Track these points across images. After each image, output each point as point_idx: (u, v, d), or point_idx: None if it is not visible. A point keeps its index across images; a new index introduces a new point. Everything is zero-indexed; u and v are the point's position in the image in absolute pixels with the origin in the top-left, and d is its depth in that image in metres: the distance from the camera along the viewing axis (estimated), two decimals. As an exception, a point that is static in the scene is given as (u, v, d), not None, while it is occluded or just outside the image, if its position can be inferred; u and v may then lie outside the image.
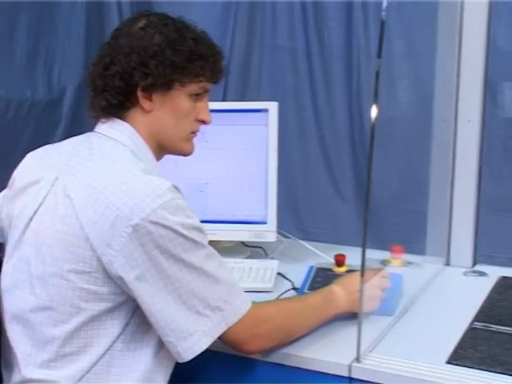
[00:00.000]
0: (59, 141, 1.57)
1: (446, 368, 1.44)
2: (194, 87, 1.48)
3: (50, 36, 3.05)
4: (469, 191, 2.02)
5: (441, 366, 1.45)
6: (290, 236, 2.17)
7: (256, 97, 3.26)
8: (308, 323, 1.56)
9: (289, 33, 3.29)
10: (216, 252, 1.40)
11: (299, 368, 1.50)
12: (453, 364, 1.46)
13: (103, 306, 1.36)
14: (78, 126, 2.92)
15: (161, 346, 1.40)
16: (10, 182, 1.56)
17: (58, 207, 1.38)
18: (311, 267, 1.89)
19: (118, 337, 1.38)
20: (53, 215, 1.39)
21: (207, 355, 1.38)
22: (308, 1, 3.22)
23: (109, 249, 1.31)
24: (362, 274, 1.47)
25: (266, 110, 2.01)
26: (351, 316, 1.60)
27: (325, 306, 1.59)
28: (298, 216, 3.35)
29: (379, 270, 1.73)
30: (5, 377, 1.47)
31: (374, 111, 1.42)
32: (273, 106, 2.02)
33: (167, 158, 1.58)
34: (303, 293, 1.77)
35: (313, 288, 1.77)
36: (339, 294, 1.60)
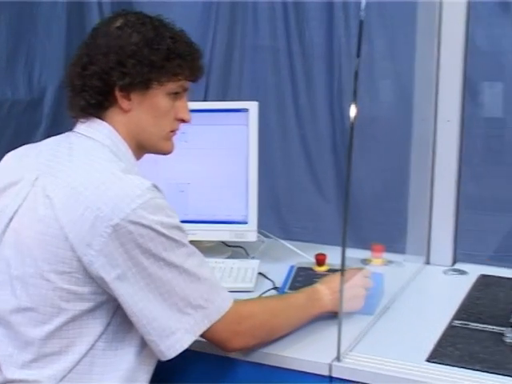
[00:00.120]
0: (40, 141, 1.56)
1: (425, 366, 1.45)
2: (172, 86, 1.48)
3: (30, 36, 3.05)
4: (448, 190, 2.04)
5: (421, 365, 1.45)
6: (271, 236, 2.17)
7: (237, 96, 3.26)
8: (291, 321, 1.56)
9: (270, 32, 3.30)
10: (197, 250, 1.40)
11: (280, 367, 1.50)
12: (432, 362, 1.46)
13: (84, 305, 1.35)
14: (58, 126, 2.91)
15: (144, 344, 1.40)
16: (-11, 182, 1.55)
17: (37, 208, 1.38)
18: (292, 267, 1.89)
19: (100, 336, 1.37)
20: (32, 216, 1.38)
21: (187, 355, 1.38)
22: (289, 1, 3.23)
23: (89, 249, 1.31)
24: (342, 274, 1.48)
25: (246, 110, 2.01)
26: (332, 315, 1.60)
27: (308, 305, 1.59)
28: (279, 216, 3.35)
29: (361, 269, 1.74)
30: (-14, 378, 1.47)
31: (353, 110, 1.42)
32: (253, 106, 2.01)
33: (148, 157, 1.58)
34: (284, 292, 1.77)
35: (293, 287, 1.77)
36: (323, 293, 1.61)
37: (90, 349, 1.37)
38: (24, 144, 1.59)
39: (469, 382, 1.39)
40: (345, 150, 3.12)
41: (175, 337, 1.35)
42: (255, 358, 1.51)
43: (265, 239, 2.15)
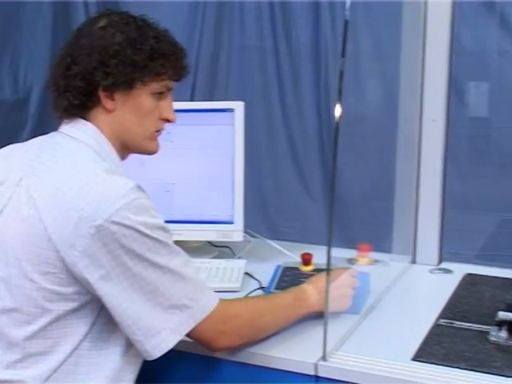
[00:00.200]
0: (26, 141, 1.56)
1: (411, 365, 1.45)
2: (156, 86, 1.48)
3: (15, 36, 3.03)
4: (434, 189, 2.04)
5: (406, 363, 1.46)
6: (258, 235, 2.17)
7: (224, 96, 3.26)
8: (277, 321, 1.56)
9: (257, 32, 3.30)
10: (182, 250, 1.40)
11: (265, 367, 1.50)
12: (418, 361, 1.47)
13: (68, 305, 1.35)
14: (44, 126, 2.87)
15: (129, 344, 1.39)
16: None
17: (21, 208, 1.37)
18: (278, 266, 1.89)
19: (85, 336, 1.37)
20: (16, 216, 1.38)
21: (173, 354, 1.38)
22: (276, 0, 3.23)
23: (72, 249, 1.31)
24: (328, 273, 1.48)
25: (231, 110, 2.01)
26: (318, 315, 1.60)
27: (295, 305, 1.59)
28: (267, 215, 3.35)
29: (347, 268, 1.74)
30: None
31: (337, 110, 1.42)
32: (239, 106, 2.01)
33: (133, 157, 1.58)
34: (270, 292, 1.77)
35: (280, 287, 1.77)
36: (310, 293, 1.61)
37: (75, 349, 1.37)
38: (9, 144, 1.59)
39: (454, 381, 1.39)
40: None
41: (160, 336, 1.35)
42: (241, 357, 1.51)
43: (251, 239, 2.15)
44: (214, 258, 2.06)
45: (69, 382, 1.38)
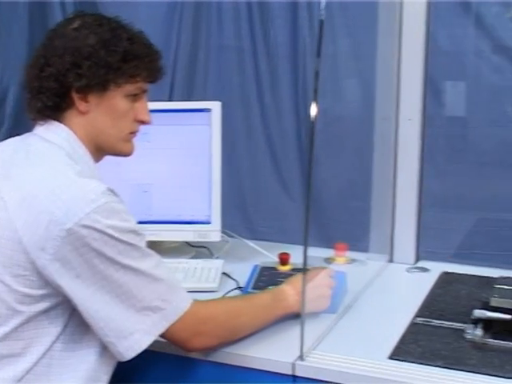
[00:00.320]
0: (2, 141, 1.55)
1: (388, 363, 1.46)
2: (130, 88, 1.47)
3: (-9, 36, 3.01)
4: (411, 189, 2.05)
5: (383, 362, 1.46)
6: (235, 235, 2.16)
7: (202, 96, 3.26)
8: (254, 322, 1.56)
9: (235, 32, 3.31)
10: (154, 252, 1.40)
11: (242, 367, 1.49)
12: (395, 359, 1.47)
13: (39, 307, 1.34)
14: (21, 127, 2.85)
15: (105, 345, 1.39)
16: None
17: None
18: (256, 266, 1.89)
19: (58, 337, 1.37)
20: None
21: (148, 355, 1.38)
22: (253, 0, 3.24)
23: (43, 253, 1.30)
24: (304, 272, 1.48)
25: (208, 110, 2.01)
26: (296, 315, 1.59)
27: (273, 306, 1.59)
28: (246, 215, 3.36)
29: (324, 268, 1.75)
30: None
31: (313, 110, 1.42)
32: (216, 106, 2.01)
33: (110, 159, 1.57)
34: (247, 292, 1.77)
35: (257, 287, 1.77)
36: (288, 293, 1.61)
37: (48, 350, 1.36)
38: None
39: (430, 379, 1.40)
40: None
41: (133, 338, 1.35)
42: (217, 357, 1.51)
43: (229, 239, 2.14)
44: (192, 258, 2.06)
45: (42, 383, 1.37)
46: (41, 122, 1.47)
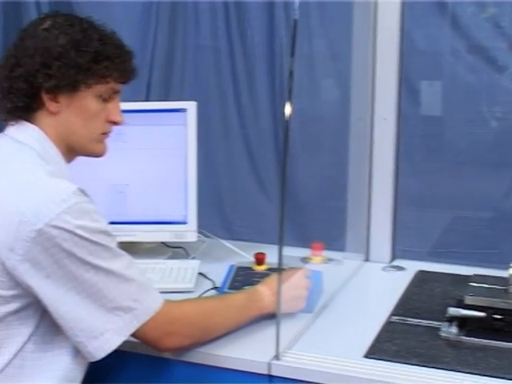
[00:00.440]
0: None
1: (363, 362, 1.46)
2: (101, 88, 1.46)
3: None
4: (386, 188, 2.06)
5: (359, 361, 1.47)
6: (212, 236, 2.16)
7: (179, 96, 3.26)
8: (228, 322, 1.56)
9: (211, 32, 3.30)
10: (125, 253, 1.40)
11: (218, 367, 1.49)
12: (370, 358, 1.48)
13: (10, 308, 1.34)
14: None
15: None
16: None
17: None
18: (232, 266, 1.89)
19: (29, 338, 1.36)
20: None
21: (121, 355, 1.38)
22: (230, 0, 3.24)
23: (13, 253, 1.29)
24: (279, 272, 1.48)
25: (184, 110, 2.00)
26: (272, 315, 1.60)
27: (248, 306, 1.59)
28: (223, 215, 3.36)
29: (300, 268, 1.75)
30: None
31: (287, 109, 1.43)
32: (191, 106, 2.01)
33: (85, 159, 1.56)
34: (223, 292, 1.77)
35: (233, 287, 1.77)
36: (264, 294, 1.61)
37: (19, 351, 1.36)
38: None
39: (405, 377, 1.40)
40: (287, 149, 3.14)
41: (104, 338, 1.34)
42: (192, 357, 1.50)
43: (205, 239, 2.14)
44: (168, 258, 2.05)
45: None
46: (12, 123, 1.46)
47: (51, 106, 1.43)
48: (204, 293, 1.81)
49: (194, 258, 2.05)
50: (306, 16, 3.03)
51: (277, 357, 1.47)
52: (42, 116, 1.45)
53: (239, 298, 1.60)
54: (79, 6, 3.13)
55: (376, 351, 1.50)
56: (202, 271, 1.93)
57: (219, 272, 1.90)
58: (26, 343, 1.36)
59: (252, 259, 1.91)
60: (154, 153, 2.03)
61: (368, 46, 1.98)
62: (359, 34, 2.02)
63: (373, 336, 1.57)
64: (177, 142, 2.01)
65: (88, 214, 1.33)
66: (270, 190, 3.27)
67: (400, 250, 2.14)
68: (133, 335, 1.38)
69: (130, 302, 1.36)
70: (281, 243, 1.44)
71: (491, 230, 2.91)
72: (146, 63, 3.27)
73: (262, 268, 1.85)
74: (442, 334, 1.56)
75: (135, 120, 1.96)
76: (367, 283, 2.00)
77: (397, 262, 2.09)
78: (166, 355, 1.51)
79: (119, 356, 1.37)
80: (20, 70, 1.41)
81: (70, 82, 1.41)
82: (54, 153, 1.45)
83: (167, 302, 1.43)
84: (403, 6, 1.97)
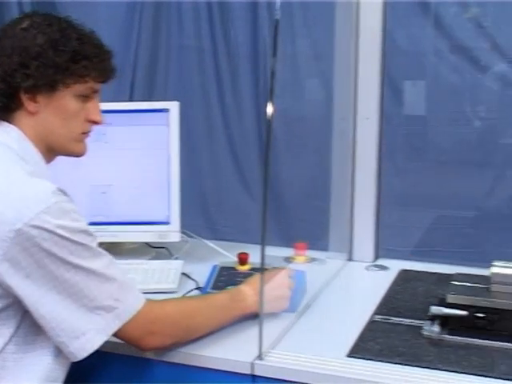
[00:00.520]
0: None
1: (346, 361, 1.47)
2: (79, 88, 1.46)
3: None
4: (369, 187, 2.06)
5: (342, 360, 1.47)
6: (195, 236, 2.16)
7: (163, 96, 3.24)
8: (210, 322, 1.56)
9: (195, 32, 3.29)
10: (106, 252, 1.40)
11: (200, 367, 1.49)
12: (353, 357, 1.48)
13: None
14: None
15: None
16: None
17: None
18: (215, 266, 1.89)
19: (10, 339, 1.35)
20: None
21: (103, 355, 1.37)
22: (213, 0, 3.23)
23: None
24: (262, 272, 1.48)
25: (166, 110, 2.00)
26: (255, 315, 1.60)
27: (231, 306, 1.59)
28: (208, 215, 3.35)
29: (284, 268, 1.75)
30: None
31: (269, 109, 1.43)
32: (174, 106, 2.00)
33: (67, 159, 1.55)
34: (206, 292, 1.76)
35: (216, 287, 1.77)
36: (247, 294, 1.61)
37: (0, 352, 1.35)
38: None
39: (388, 375, 1.41)
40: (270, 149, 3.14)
41: (85, 337, 1.34)
42: (174, 357, 1.50)
43: (188, 239, 2.14)
44: (151, 259, 2.05)
45: None
46: None
47: (30, 105, 1.43)
48: (187, 293, 1.81)
49: (177, 259, 2.05)
50: (290, 16, 3.03)
51: (260, 357, 1.47)
52: (20, 116, 1.44)
53: (222, 297, 1.60)
54: (63, 6, 3.11)
55: (359, 350, 1.51)
56: (185, 271, 1.93)
57: (202, 272, 1.90)
58: (6, 344, 1.35)
59: (235, 259, 1.91)
60: (136, 153, 2.03)
61: (350, 46, 1.99)
62: (341, 34, 2.02)
63: (356, 335, 1.58)
64: (159, 142, 2.01)
65: (68, 214, 1.32)
66: (254, 189, 3.26)
67: (383, 249, 2.15)
68: (115, 335, 1.38)
69: (111, 302, 1.36)
70: (263, 243, 1.44)
71: (474, 229, 2.92)
72: (129, 63, 3.25)
73: (245, 268, 1.85)
74: (425, 333, 1.56)
75: (118, 120, 1.95)
76: (350, 282, 2.00)
77: (380, 262, 2.10)
78: (149, 355, 1.51)
79: (101, 356, 1.37)
80: None
81: (48, 82, 1.41)
82: (34, 153, 1.44)
83: (149, 301, 1.43)
84: (385, 5, 1.98)
